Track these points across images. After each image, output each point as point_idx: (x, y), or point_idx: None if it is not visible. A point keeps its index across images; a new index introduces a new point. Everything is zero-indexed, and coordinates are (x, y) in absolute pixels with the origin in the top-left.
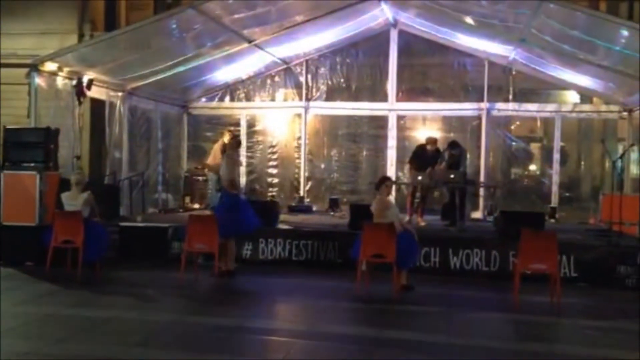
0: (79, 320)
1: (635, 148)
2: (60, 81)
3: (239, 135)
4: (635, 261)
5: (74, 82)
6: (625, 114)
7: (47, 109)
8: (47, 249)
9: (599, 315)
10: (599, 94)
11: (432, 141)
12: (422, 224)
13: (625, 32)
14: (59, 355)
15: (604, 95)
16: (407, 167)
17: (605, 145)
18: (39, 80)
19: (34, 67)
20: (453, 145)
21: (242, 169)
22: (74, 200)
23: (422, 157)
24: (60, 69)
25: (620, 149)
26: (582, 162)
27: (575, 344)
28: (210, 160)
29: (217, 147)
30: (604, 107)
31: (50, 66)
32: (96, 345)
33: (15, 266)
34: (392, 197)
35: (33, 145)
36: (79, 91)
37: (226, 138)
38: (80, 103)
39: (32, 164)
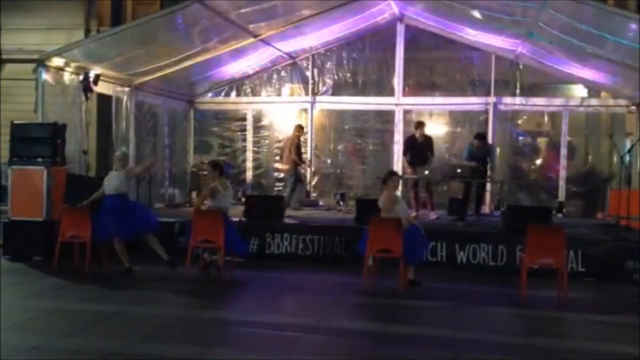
0: (87, 314)
1: None
2: (67, 76)
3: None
4: None
5: (81, 77)
6: (633, 108)
7: (54, 104)
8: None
9: (606, 310)
10: (606, 88)
11: (419, 125)
12: (433, 217)
13: (633, 26)
14: (66, 350)
15: (611, 89)
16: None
17: (613, 140)
18: (46, 76)
19: (41, 63)
20: (477, 137)
21: (249, 164)
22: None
23: (414, 147)
24: (67, 64)
25: (628, 143)
26: (590, 157)
27: (582, 338)
28: (284, 161)
29: (288, 144)
30: (611, 102)
31: (57, 61)
32: (103, 340)
33: (23, 261)
34: (398, 192)
35: (40, 141)
36: (86, 86)
37: (298, 132)
38: (87, 98)
39: (40, 159)
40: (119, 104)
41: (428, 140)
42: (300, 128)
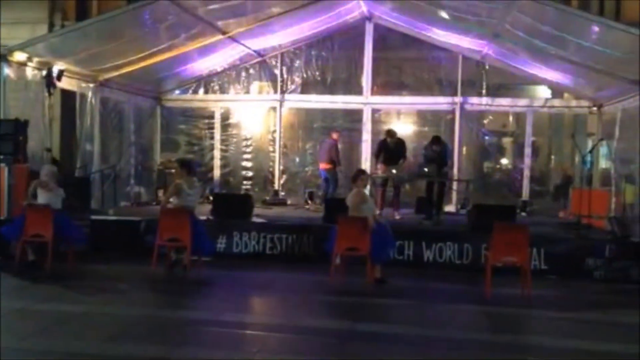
0: (50, 314)
1: (604, 143)
2: (29, 72)
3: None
4: (603, 254)
5: (44, 72)
6: (594, 109)
7: (16, 100)
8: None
9: (568, 307)
10: (569, 89)
11: (391, 134)
12: (397, 217)
13: (595, 28)
14: (30, 350)
15: (574, 91)
16: (373, 160)
17: (575, 140)
18: (7, 71)
19: (3, 58)
20: (435, 140)
21: (217, 162)
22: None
23: (386, 151)
24: (29, 59)
25: (589, 143)
26: (553, 157)
27: (545, 334)
28: (325, 162)
29: (330, 147)
30: (574, 102)
31: (19, 56)
32: (68, 340)
33: None
34: (367, 191)
35: (1, 137)
36: (49, 82)
37: (336, 136)
38: (50, 94)
39: (1, 157)
40: (83, 100)
41: (400, 144)
42: (338, 132)
